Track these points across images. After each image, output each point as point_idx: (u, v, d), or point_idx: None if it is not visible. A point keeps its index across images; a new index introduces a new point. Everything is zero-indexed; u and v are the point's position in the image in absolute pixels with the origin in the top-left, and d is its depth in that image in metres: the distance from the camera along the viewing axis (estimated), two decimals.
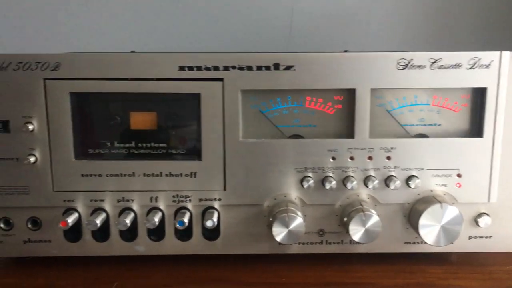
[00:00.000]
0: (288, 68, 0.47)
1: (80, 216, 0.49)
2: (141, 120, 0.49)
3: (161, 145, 0.49)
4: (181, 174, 0.49)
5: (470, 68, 0.47)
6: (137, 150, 0.49)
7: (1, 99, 0.46)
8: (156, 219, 0.47)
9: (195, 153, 0.48)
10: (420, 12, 0.90)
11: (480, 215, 0.50)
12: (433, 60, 0.47)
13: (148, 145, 0.49)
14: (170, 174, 0.49)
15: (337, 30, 0.92)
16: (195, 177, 0.49)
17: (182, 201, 0.49)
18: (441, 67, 0.47)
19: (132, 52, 0.65)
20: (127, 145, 0.49)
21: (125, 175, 0.48)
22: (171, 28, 0.90)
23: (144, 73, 0.47)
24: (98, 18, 0.89)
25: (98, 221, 0.47)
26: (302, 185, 0.49)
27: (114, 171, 0.48)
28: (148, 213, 0.49)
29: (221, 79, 0.47)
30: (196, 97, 0.47)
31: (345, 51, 0.63)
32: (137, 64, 0.47)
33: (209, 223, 0.47)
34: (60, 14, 0.87)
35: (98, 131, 0.49)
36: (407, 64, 0.47)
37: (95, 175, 0.48)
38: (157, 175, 0.49)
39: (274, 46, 0.93)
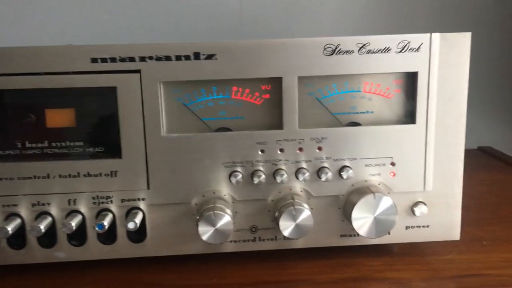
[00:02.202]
0: (209, 57, 0.44)
1: None
2: (56, 117, 0.45)
3: (77, 143, 0.45)
4: (100, 174, 0.45)
5: (399, 52, 0.45)
6: (51, 150, 0.45)
7: None
8: (73, 223, 0.44)
9: (114, 151, 0.45)
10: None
11: (416, 204, 0.48)
12: (361, 45, 0.45)
13: (63, 144, 0.45)
14: (89, 174, 0.45)
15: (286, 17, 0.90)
16: (115, 176, 0.46)
17: (103, 202, 0.46)
18: (369, 51, 0.45)
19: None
20: (39, 145, 0.45)
21: (39, 177, 0.45)
22: (110, 20, 0.87)
23: (55, 67, 0.43)
24: (23, 9, 0.84)
25: (10, 228, 0.44)
26: (231, 181, 0.46)
27: (26, 174, 0.45)
28: (67, 216, 0.46)
29: (137, 71, 0.44)
30: (112, 90, 0.44)
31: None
32: (48, 58, 0.43)
33: (130, 225, 0.44)
34: None
35: (9, 131, 0.45)
36: (334, 50, 0.45)
37: (6, 179, 0.45)
38: (74, 176, 0.45)
39: (225, 35, 0.90)
